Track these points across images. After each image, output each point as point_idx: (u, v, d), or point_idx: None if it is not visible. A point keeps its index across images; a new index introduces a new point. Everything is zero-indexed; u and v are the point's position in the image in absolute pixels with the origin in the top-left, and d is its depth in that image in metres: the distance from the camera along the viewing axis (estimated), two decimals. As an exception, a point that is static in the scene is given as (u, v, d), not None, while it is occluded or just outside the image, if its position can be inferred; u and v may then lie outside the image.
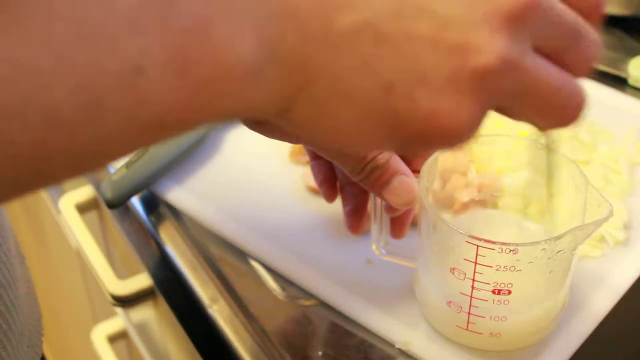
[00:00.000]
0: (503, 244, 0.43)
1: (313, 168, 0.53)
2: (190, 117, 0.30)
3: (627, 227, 0.57)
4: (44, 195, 1.07)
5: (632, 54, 0.75)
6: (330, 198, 0.53)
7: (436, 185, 0.53)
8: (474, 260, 0.45)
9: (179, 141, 0.62)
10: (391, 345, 0.51)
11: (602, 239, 0.56)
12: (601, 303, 0.52)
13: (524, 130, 0.64)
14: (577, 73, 0.35)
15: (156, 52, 0.27)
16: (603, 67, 0.74)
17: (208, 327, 0.55)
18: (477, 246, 0.44)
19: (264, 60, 0.30)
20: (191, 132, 0.63)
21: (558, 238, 0.43)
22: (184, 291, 0.57)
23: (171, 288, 0.60)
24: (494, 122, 0.65)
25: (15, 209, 1.39)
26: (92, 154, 0.28)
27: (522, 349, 0.49)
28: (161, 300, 0.63)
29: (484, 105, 0.32)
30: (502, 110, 0.34)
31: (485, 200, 0.53)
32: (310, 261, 0.55)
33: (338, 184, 0.53)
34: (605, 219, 0.45)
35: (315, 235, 0.57)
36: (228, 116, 0.31)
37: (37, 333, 0.53)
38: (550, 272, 0.46)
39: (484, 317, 0.47)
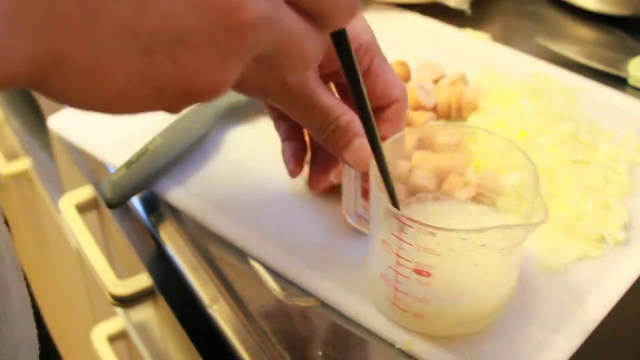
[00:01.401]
0: (421, 223, 0.45)
1: (277, 127, 0.55)
2: None
3: (627, 227, 0.57)
4: (44, 195, 1.07)
5: (632, 54, 0.75)
6: (294, 172, 0.55)
7: (432, 185, 0.53)
8: (398, 236, 0.46)
9: (179, 141, 0.62)
10: (391, 345, 0.51)
11: (602, 239, 0.56)
12: (601, 303, 0.52)
13: (523, 130, 0.64)
14: (326, 22, 0.36)
15: None
16: (603, 67, 0.74)
17: (208, 327, 0.55)
18: (401, 222, 0.46)
19: (10, 26, 0.29)
20: (191, 132, 0.63)
21: (479, 231, 0.44)
22: (184, 291, 0.57)
23: (171, 288, 0.60)
24: (494, 122, 0.65)
25: (16, 209, 1.39)
26: None
27: (448, 337, 0.50)
28: (161, 300, 0.63)
29: (243, 59, 0.33)
30: (256, 59, 0.35)
31: (483, 200, 0.53)
32: (310, 261, 0.55)
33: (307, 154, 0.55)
34: (535, 225, 0.45)
35: (315, 235, 0.57)
36: None
37: (33, 351, 0.53)
38: (474, 265, 0.47)
39: (408, 294, 0.48)
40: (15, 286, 0.50)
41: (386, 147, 0.49)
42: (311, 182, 0.56)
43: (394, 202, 0.48)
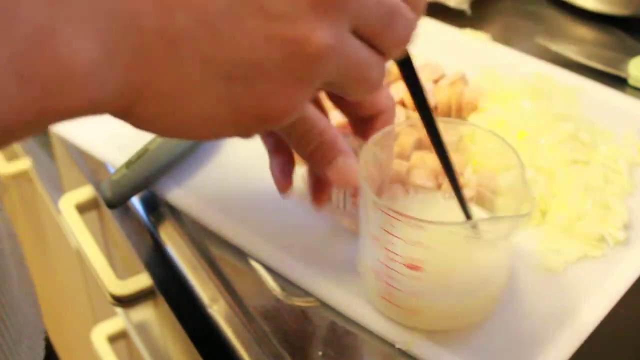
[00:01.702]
0: (408, 217, 0.44)
1: (264, 141, 0.54)
2: (35, 119, 0.31)
3: (627, 227, 0.57)
4: (44, 195, 1.07)
5: (632, 54, 0.75)
6: (283, 188, 0.54)
7: (430, 184, 0.53)
8: (388, 230, 0.46)
9: (179, 141, 0.62)
10: (391, 345, 0.51)
11: (602, 239, 0.56)
12: (601, 303, 0.52)
13: (523, 130, 0.64)
14: (388, 52, 0.40)
15: None
16: (603, 67, 0.74)
17: (208, 327, 0.55)
18: (388, 216, 0.45)
19: (104, 61, 0.32)
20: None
21: (467, 224, 0.44)
22: (184, 291, 0.57)
23: (171, 288, 0.60)
24: (494, 122, 0.65)
25: (16, 209, 1.39)
26: None
27: (446, 331, 0.50)
28: (161, 300, 0.63)
29: (311, 85, 0.36)
30: (325, 85, 0.38)
31: (482, 200, 0.53)
32: (310, 261, 0.55)
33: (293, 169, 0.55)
34: (522, 217, 0.45)
35: (315, 235, 0.57)
36: (75, 115, 0.33)
37: (38, 335, 0.53)
38: (466, 258, 0.47)
39: (400, 290, 0.48)
40: (17, 274, 0.51)
41: (376, 140, 0.49)
42: (313, 199, 0.54)
43: (465, 210, 0.47)
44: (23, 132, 0.32)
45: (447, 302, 0.49)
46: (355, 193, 0.53)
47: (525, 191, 0.46)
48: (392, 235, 0.46)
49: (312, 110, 0.48)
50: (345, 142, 0.48)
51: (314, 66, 0.35)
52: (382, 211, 0.46)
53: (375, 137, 0.49)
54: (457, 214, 0.49)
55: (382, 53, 0.39)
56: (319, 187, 0.53)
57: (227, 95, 0.35)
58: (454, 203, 0.49)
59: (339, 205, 0.55)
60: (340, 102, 0.50)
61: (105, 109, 0.34)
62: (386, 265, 0.48)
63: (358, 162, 0.48)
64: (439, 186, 0.54)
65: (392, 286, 0.48)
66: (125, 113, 0.35)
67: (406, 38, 0.40)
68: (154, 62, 0.33)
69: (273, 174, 0.54)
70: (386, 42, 0.39)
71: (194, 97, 0.35)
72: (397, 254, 0.47)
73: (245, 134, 0.38)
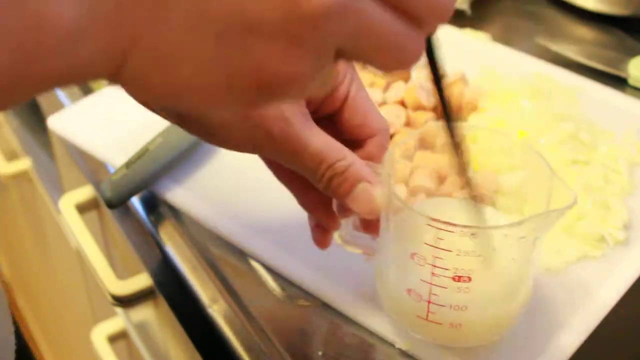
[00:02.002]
0: (463, 226, 0.43)
1: (288, 186, 0.51)
2: (14, 83, 0.29)
3: (627, 227, 0.57)
4: (44, 195, 1.07)
5: (632, 54, 0.75)
6: (321, 243, 0.51)
7: (431, 184, 0.53)
8: (434, 245, 0.44)
9: (179, 141, 0.62)
10: (391, 345, 0.51)
11: (602, 239, 0.56)
12: (601, 303, 0.52)
13: (523, 130, 0.64)
14: (422, 23, 0.34)
15: None
16: (603, 67, 0.74)
17: (208, 327, 0.55)
18: (437, 229, 0.43)
19: (85, 18, 0.29)
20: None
21: (520, 223, 0.43)
22: (184, 291, 0.57)
23: (171, 288, 0.60)
24: (494, 122, 0.65)
25: (16, 209, 1.39)
26: None
27: (483, 345, 0.48)
28: (161, 300, 0.63)
29: (320, 51, 0.32)
30: (342, 54, 0.33)
31: (483, 200, 0.53)
32: (310, 261, 0.55)
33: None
34: (569, 207, 0.43)
35: (315, 235, 0.57)
36: (58, 81, 0.31)
37: (7, 348, 0.52)
38: (512, 259, 0.46)
39: (443, 305, 0.46)
40: None
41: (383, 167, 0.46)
42: (316, 243, 0.52)
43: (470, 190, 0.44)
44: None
45: (490, 311, 0.47)
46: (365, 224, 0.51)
47: (560, 185, 0.44)
48: (439, 249, 0.44)
49: (318, 143, 0.45)
50: (367, 168, 0.45)
51: (315, 28, 0.31)
52: (429, 225, 0.43)
53: (388, 153, 0.47)
54: (477, 219, 0.47)
55: (415, 21, 0.33)
56: (320, 232, 0.51)
57: (221, 57, 0.31)
58: (458, 205, 0.48)
59: (341, 234, 0.52)
60: (328, 125, 0.47)
61: (88, 73, 0.31)
62: (430, 283, 0.45)
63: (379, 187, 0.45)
64: (438, 186, 0.54)
65: (435, 303, 0.46)
66: (112, 77, 0.32)
67: (447, 5, 0.34)
68: (140, 20, 0.30)
69: (310, 229, 0.52)
70: (420, 7, 0.33)
71: (184, 59, 0.31)
72: (445, 269, 0.44)
73: (244, 105, 0.33)
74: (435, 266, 0.45)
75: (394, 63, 0.34)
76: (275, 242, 0.57)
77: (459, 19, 0.82)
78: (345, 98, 0.47)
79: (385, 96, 0.67)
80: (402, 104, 0.66)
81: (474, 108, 0.67)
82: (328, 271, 0.54)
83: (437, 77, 0.41)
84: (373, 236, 0.50)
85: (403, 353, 0.50)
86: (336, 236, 0.52)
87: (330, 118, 0.48)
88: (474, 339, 0.49)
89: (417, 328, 0.49)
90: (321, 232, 0.51)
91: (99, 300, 0.94)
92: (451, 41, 0.79)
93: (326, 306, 0.53)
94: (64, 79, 0.31)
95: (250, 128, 0.44)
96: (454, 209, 0.51)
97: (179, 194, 0.61)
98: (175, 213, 0.61)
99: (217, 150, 0.65)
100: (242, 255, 0.57)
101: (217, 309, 0.55)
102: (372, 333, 0.51)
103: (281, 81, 0.32)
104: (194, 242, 0.58)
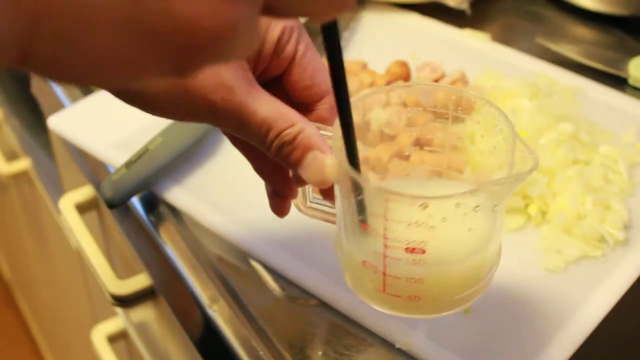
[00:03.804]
0: (412, 196, 0.40)
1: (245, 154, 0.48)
2: None
3: (627, 227, 0.57)
4: (44, 195, 1.07)
5: (632, 54, 0.75)
6: (279, 211, 0.49)
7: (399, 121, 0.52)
8: (385, 216, 0.42)
9: (179, 141, 0.62)
10: (391, 345, 0.51)
11: (602, 239, 0.56)
12: (601, 303, 0.52)
13: (523, 130, 0.64)
14: None
15: None
16: (603, 67, 0.74)
17: (208, 327, 0.55)
18: (387, 200, 0.41)
19: None
20: (191, 132, 0.63)
21: (473, 192, 0.40)
22: (184, 291, 0.57)
23: (171, 288, 0.60)
24: (493, 122, 0.65)
25: (16, 209, 1.39)
26: None
27: (445, 312, 0.46)
28: (161, 300, 0.63)
29: (244, 3, 0.29)
30: (271, 10, 0.30)
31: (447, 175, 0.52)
32: (310, 261, 0.55)
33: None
34: (528, 173, 0.41)
35: (315, 235, 0.57)
36: None
37: None
38: (469, 230, 0.43)
39: (399, 277, 0.44)
40: None
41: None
42: (273, 209, 0.50)
43: (353, 163, 0.42)
44: None
45: (447, 280, 0.45)
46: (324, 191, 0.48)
47: (523, 149, 0.42)
48: (391, 220, 0.42)
49: (263, 111, 0.42)
50: (318, 135, 0.43)
51: None
52: (380, 194, 0.42)
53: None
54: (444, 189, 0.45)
55: None
56: (278, 200, 0.49)
57: (138, 22, 0.28)
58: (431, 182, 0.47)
59: (300, 201, 0.50)
60: (276, 89, 0.45)
61: None
62: (384, 255, 0.43)
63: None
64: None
65: (391, 275, 0.44)
66: (22, 60, 0.29)
67: None
68: None
69: (268, 196, 0.49)
70: None
71: (96, 30, 0.28)
72: (397, 240, 0.43)
73: (181, 70, 0.30)
74: (387, 238, 0.43)
75: (325, 9, 0.31)
76: (275, 242, 0.57)
77: (459, 19, 0.82)
78: (293, 58, 0.45)
79: (389, 96, 0.67)
80: (403, 104, 0.66)
81: (473, 108, 0.67)
82: (328, 271, 0.54)
83: (335, 65, 0.39)
84: (331, 203, 0.48)
85: (403, 353, 0.50)
86: (294, 204, 0.50)
87: (278, 81, 0.46)
88: (433, 311, 0.46)
89: (376, 301, 0.46)
90: (279, 200, 0.49)
91: (99, 300, 0.94)
92: (451, 41, 0.79)
93: (326, 306, 0.53)
94: None
95: (190, 98, 0.42)
96: (414, 185, 0.49)
97: (179, 194, 0.61)
98: (175, 213, 0.61)
99: (217, 150, 0.65)
100: (242, 255, 0.57)
101: (217, 309, 0.55)
102: (372, 333, 0.51)
103: (210, 40, 0.29)
104: (194, 242, 0.58)
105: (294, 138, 0.42)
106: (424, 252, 0.43)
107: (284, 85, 0.46)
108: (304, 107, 0.46)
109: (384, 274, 0.44)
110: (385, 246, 0.43)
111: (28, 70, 0.30)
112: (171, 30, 0.28)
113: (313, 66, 0.45)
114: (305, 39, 0.45)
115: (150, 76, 0.30)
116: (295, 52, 0.45)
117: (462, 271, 0.45)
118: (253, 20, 0.29)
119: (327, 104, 0.46)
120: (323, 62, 0.45)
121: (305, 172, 0.43)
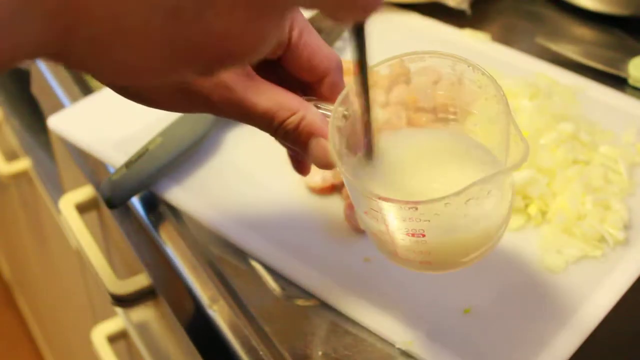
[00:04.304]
0: (401, 202, 0.41)
1: None
2: None
3: (627, 227, 0.57)
4: (44, 195, 1.07)
5: (632, 54, 0.75)
6: (302, 170, 0.50)
7: (401, 120, 0.52)
8: (381, 212, 0.43)
9: (179, 141, 0.62)
10: (391, 345, 0.51)
11: (602, 239, 0.56)
12: (601, 303, 0.52)
13: (523, 130, 0.64)
14: None
15: None
16: (603, 67, 0.74)
17: (208, 327, 0.55)
18: (379, 202, 0.42)
19: (22, 6, 0.28)
20: (191, 132, 0.63)
21: (459, 193, 0.41)
22: (184, 291, 0.57)
23: (171, 288, 0.60)
24: (493, 122, 0.65)
25: (16, 208, 1.39)
26: None
27: (458, 269, 0.47)
28: (161, 300, 0.63)
29: (279, 14, 0.31)
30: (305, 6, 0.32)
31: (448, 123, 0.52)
32: (310, 261, 0.55)
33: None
34: (517, 165, 0.41)
35: (315, 235, 0.57)
36: (10, 60, 0.29)
37: None
38: (465, 216, 0.44)
39: (408, 249, 0.45)
40: None
41: (341, 101, 0.45)
42: (295, 169, 0.51)
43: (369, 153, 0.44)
44: None
45: (454, 248, 0.46)
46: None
47: (515, 136, 0.43)
48: (387, 215, 0.43)
49: (263, 102, 0.43)
50: (321, 119, 0.44)
51: None
52: (372, 199, 0.42)
53: (340, 97, 0.45)
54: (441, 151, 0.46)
55: None
56: (299, 160, 0.50)
57: (176, 35, 0.30)
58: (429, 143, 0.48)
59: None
60: (273, 73, 0.46)
61: (32, 51, 0.30)
62: (390, 235, 0.45)
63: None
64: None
65: (401, 247, 0.45)
66: (60, 56, 0.31)
67: None
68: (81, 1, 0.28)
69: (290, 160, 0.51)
70: None
71: (133, 39, 0.29)
72: (397, 229, 0.44)
73: (206, 74, 0.33)
74: (387, 226, 0.44)
75: (350, 13, 0.33)
76: (275, 242, 0.57)
77: (459, 19, 0.82)
78: (288, 44, 0.45)
79: (388, 97, 0.67)
80: (404, 104, 0.66)
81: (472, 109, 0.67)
82: (328, 271, 0.54)
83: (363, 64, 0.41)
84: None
85: (403, 353, 0.50)
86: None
87: (278, 63, 0.46)
88: (449, 268, 0.47)
89: (395, 261, 0.48)
90: (300, 161, 0.50)
91: (99, 300, 0.94)
92: (451, 41, 0.79)
93: (326, 306, 0.53)
94: (16, 58, 0.29)
95: (189, 96, 0.43)
96: (405, 136, 0.50)
97: (179, 194, 0.61)
98: (175, 213, 0.61)
99: (217, 150, 0.65)
100: (242, 255, 0.57)
101: (217, 309, 0.55)
102: (372, 333, 0.51)
103: (244, 51, 0.31)
104: (194, 242, 0.58)
105: (297, 126, 0.43)
106: (424, 236, 0.44)
107: (285, 67, 0.46)
108: (309, 86, 0.47)
109: (394, 245, 0.46)
110: (388, 230, 0.44)
111: (65, 66, 0.31)
112: (207, 45, 0.30)
113: (309, 50, 0.45)
114: (300, 23, 0.45)
115: (172, 78, 0.32)
116: (290, 37, 0.45)
117: (468, 239, 0.45)
118: (280, 26, 0.31)
119: (329, 82, 0.47)
120: (322, 43, 0.46)
121: (310, 157, 0.44)
